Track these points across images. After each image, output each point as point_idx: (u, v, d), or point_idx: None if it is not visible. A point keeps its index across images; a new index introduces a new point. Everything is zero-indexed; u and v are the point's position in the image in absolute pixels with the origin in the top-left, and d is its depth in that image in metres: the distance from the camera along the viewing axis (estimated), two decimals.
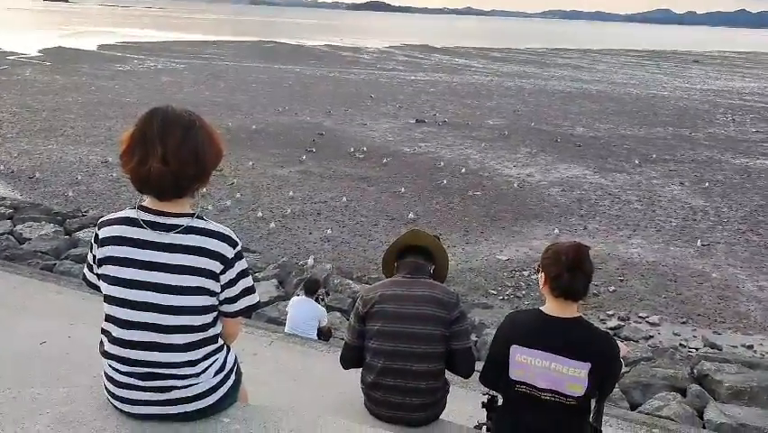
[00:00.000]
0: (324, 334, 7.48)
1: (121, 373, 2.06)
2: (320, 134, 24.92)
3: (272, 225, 14.62)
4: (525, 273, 12.46)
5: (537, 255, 13.51)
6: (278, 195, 17.18)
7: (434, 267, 3.16)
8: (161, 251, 1.97)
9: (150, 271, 1.97)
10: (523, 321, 2.70)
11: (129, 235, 1.98)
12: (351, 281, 10.98)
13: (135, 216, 1.99)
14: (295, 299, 7.67)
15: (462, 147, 24.33)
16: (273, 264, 11.55)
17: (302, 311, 7.15)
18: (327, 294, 8.59)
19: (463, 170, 20.26)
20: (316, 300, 7.54)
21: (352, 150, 22.31)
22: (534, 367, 2.58)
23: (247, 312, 2.23)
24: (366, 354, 3.09)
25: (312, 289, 7.47)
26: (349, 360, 3.20)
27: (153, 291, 1.97)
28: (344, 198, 16.68)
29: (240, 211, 15.58)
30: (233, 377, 2.24)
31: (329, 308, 9.21)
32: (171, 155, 1.90)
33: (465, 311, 3.10)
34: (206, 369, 2.12)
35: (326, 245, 13.68)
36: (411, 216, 15.43)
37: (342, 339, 8.38)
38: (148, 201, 2.04)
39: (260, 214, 15.42)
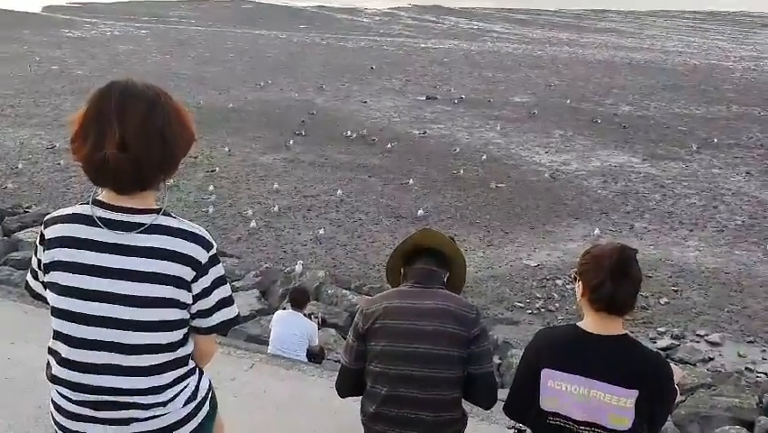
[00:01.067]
0: (316, 355, 7.48)
1: (72, 401, 2.05)
2: (310, 114, 24.95)
3: (253, 223, 14.67)
4: (559, 282, 12.46)
5: (574, 260, 13.62)
6: (260, 187, 17.23)
7: (448, 274, 3.16)
8: (120, 254, 1.97)
9: (107, 278, 1.96)
10: (556, 340, 2.70)
11: (81, 236, 1.98)
12: (348, 292, 11.00)
13: (89, 213, 1.99)
14: (280, 313, 7.67)
15: (483, 129, 24.33)
16: (254, 271, 11.58)
17: (289, 328, 7.16)
18: (322, 320, 8.60)
19: (484, 158, 20.28)
20: (308, 317, 7.56)
21: (350, 133, 22.35)
22: (570, 395, 2.57)
23: (224, 328, 2.21)
24: (367, 379, 3.06)
25: (301, 301, 7.48)
26: (346, 386, 3.19)
27: (111, 303, 1.97)
28: (340, 192, 16.73)
29: (214, 207, 15.63)
30: (206, 406, 2.23)
31: (322, 324, 9.23)
32: (132, 139, 1.90)
33: (486, 328, 3.09)
34: (175, 397, 2.11)
35: (318, 248, 13.71)
36: (420, 213, 15.47)
37: (338, 361, 8.42)
38: (104, 195, 2.03)
39: (238, 210, 15.47)
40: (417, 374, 2.92)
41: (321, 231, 14.33)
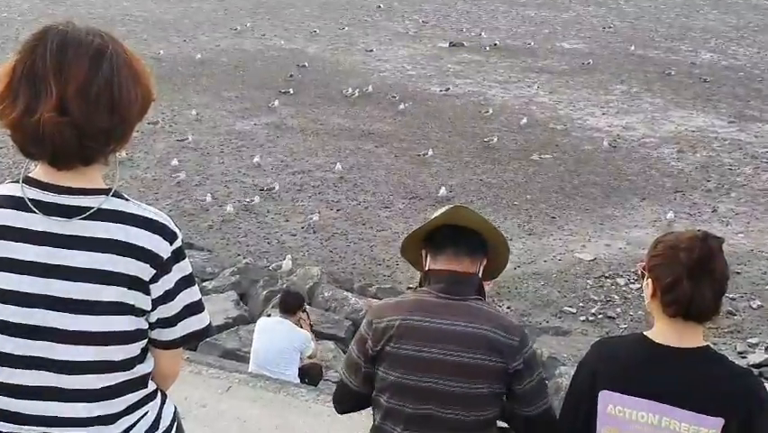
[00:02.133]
0: (311, 374, 7.51)
1: None
2: (300, 67, 24.87)
3: (229, 207, 14.69)
4: (621, 281, 12.44)
5: (640, 253, 13.53)
6: (237, 161, 17.24)
7: (484, 262, 3.14)
8: (59, 246, 1.97)
9: (42, 277, 1.96)
10: (619, 354, 2.70)
11: (9, 223, 1.98)
12: (349, 294, 11.02)
13: (19, 195, 1.97)
14: (264, 321, 7.69)
15: (522, 85, 24.20)
16: (231, 269, 11.61)
17: (276, 340, 7.18)
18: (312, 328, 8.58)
19: (524, 122, 20.20)
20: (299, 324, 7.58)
21: (351, 90, 22.29)
22: (636, 424, 2.57)
23: (192, 341, 2.22)
24: (375, 411, 3.08)
25: (292, 306, 7.50)
26: (348, 405, 3.25)
27: (46, 309, 1.96)
28: (339, 166, 16.73)
29: (179, 186, 15.67)
30: None
31: (318, 335, 9.25)
32: (73, 99, 1.90)
33: (535, 355, 3.07)
34: (131, 428, 2.11)
35: (312, 239, 13.74)
36: (443, 192, 15.44)
37: (336, 382, 8.43)
38: (38, 171, 2.03)
39: (209, 191, 15.51)
40: (440, 416, 2.92)
41: (315, 217, 14.34)
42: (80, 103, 1.91)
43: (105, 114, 1.95)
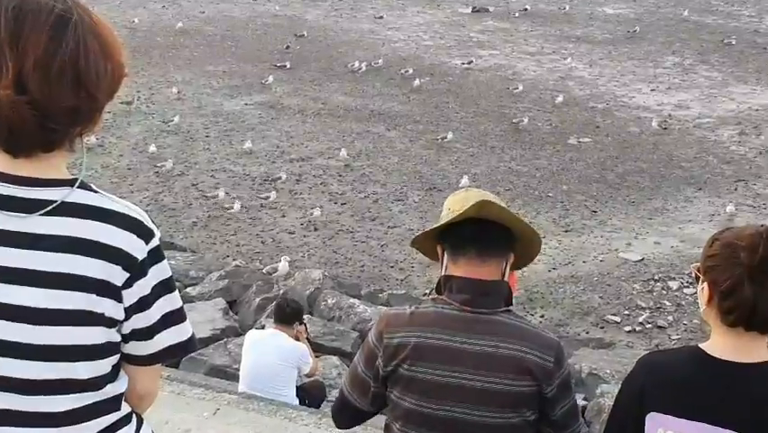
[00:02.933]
0: (311, 394, 7.52)
1: None
2: (299, 37, 24.89)
3: (216, 200, 14.72)
4: (673, 285, 12.42)
5: (695, 252, 13.54)
6: (225, 147, 17.26)
7: (512, 259, 3.12)
8: (16, 246, 1.96)
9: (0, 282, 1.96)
10: (670, 370, 2.69)
11: None
12: (356, 301, 11.01)
13: None
14: (256, 333, 7.71)
15: (557, 57, 24.15)
16: (218, 272, 11.62)
17: (270, 355, 7.18)
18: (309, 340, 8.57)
19: (559, 100, 20.19)
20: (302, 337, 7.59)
21: (357, 64, 22.29)
22: None
23: (172, 356, 2.23)
24: None
25: (287, 315, 7.51)
26: (348, 420, 3.29)
27: (3, 318, 1.95)
28: (344, 152, 16.74)
29: (157, 177, 15.70)
30: None
31: (320, 349, 9.25)
32: (32, 74, 1.89)
33: (569, 376, 3.07)
34: None
35: (312, 237, 13.75)
36: (465, 182, 15.40)
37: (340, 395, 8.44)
38: None
39: (193, 181, 15.54)
40: None
41: (316, 211, 14.36)
42: (40, 79, 1.91)
43: (69, 90, 1.94)
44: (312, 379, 7.66)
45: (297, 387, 7.35)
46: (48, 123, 1.94)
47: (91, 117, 2.04)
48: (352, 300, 11.00)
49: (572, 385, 3.09)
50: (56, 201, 2.00)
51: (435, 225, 3.13)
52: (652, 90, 21.38)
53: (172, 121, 18.16)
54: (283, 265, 12.00)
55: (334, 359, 9.39)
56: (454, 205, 3.05)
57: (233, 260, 12.53)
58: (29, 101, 1.90)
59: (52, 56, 1.93)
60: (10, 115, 1.90)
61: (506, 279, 3.10)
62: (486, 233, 3.00)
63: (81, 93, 1.98)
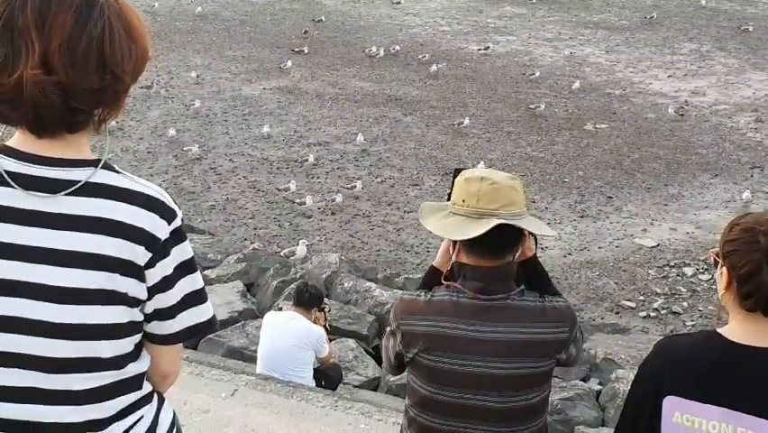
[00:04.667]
0: (328, 376, 7.53)
1: None
2: (317, 23, 24.85)
3: (233, 184, 14.73)
4: (689, 271, 12.38)
5: (712, 238, 13.31)
6: (243, 131, 17.28)
7: (525, 241, 3.14)
8: (41, 226, 1.97)
9: (21, 261, 1.96)
10: (687, 354, 2.68)
11: None
12: (373, 285, 11.00)
13: None
14: (274, 315, 7.72)
15: (575, 42, 24.02)
16: (236, 255, 11.64)
17: (287, 337, 7.18)
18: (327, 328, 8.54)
19: (576, 86, 20.11)
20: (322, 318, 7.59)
21: (375, 49, 22.24)
22: None
23: (193, 336, 2.23)
24: (405, 424, 3.15)
25: (309, 299, 7.51)
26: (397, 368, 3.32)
27: (26, 298, 1.97)
28: (361, 137, 16.73)
29: (176, 160, 15.74)
30: None
31: (337, 332, 9.27)
32: (57, 55, 1.90)
33: (579, 329, 3.13)
34: None
35: (329, 221, 13.76)
36: (482, 167, 15.36)
37: (359, 386, 8.45)
38: (17, 139, 2.01)
39: (212, 165, 15.57)
40: (480, 431, 3.00)
41: (334, 196, 14.35)
42: (66, 60, 1.91)
43: (93, 72, 1.94)
44: (328, 361, 7.65)
45: (314, 369, 7.36)
46: (73, 103, 1.95)
47: (116, 99, 2.04)
48: (368, 284, 11.00)
49: (581, 328, 3.19)
50: (80, 181, 2.01)
51: (445, 231, 3.12)
52: (668, 77, 21.25)
53: (192, 105, 18.17)
54: (300, 249, 12.01)
55: (351, 342, 9.39)
56: (469, 198, 3.04)
57: (251, 243, 12.56)
58: (56, 82, 1.91)
59: (78, 38, 1.93)
60: (36, 94, 1.90)
61: (518, 256, 3.14)
62: (498, 238, 3.00)
63: (106, 75, 1.98)
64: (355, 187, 14.48)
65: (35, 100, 1.91)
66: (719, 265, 2.67)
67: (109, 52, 1.97)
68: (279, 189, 14.43)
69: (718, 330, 2.67)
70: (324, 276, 10.99)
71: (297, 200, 13.99)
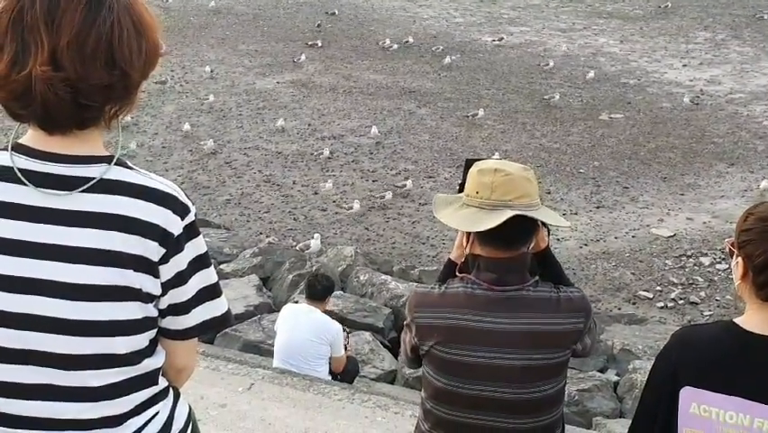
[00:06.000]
0: (345, 370, 7.53)
1: None
2: (330, 15, 24.84)
3: (247, 178, 14.75)
4: (705, 261, 12.34)
5: (728, 228, 13.32)
6: (257, 125, 17.30)
7: (539, 232, 3.13)
8: (54, 223, 1.97)
9: (36, 259, 1.95)
10: (704, 344, 2.68)
11: None
12: (388, 278, 11.01)
13: (8, 164, 1.98)
14: (290, 309, 7.73)
15: (589, 32, 23.94)
16: (252, 249, 11.66)
17: (303, 330, 7.20)
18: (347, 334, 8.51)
19: (590, 76, 20.05)
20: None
21: (389, 42, 22.23)
22: (723, 425, 2.56)
23: (208, 330, 2.23)
24: (422, 418, 3.16)
25: (322, 292, 7.52)
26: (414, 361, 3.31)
27: (41, 295, 1.97)
28: (375, 130, 16.73)
29: (190, 155, 15.77)
30: None
31: (353, 325, 9.27)
32: (66, 52, 1.89)
33: (593, 318, 3.13)
34: (139, 431, 2.11)
35: (343, 214, 13.77)
36: (496, 158, 15.32)
37: (376, 379, 8.46)
38: (29, 136, 2.01)
39: (226, 159, 15.60)
40: (502, 426, 3.01)
41: (347, 189, 14.36)
42: (74, 56, 1.90)
43: (102, 68, 1.94)
44: (343, 355, 7.63)
45: (329, 363, 7.37)
46: (81, 100, 1.95)
47: (126, 95, 2.04)
48: (384, 277, 11.01)
49: (594, 317, 3.18)
50: (94, 178, 2.00)
51: (459, 223, 3.10)
52: (684, 66, 21.16)
53: (207, 99, 18.21)
54: (315, 242, 12.02)
55: (367, 335, 9.40)
56: (483, 190, 3.02)
57: (267, 237, 12.58)
58: (65, 79, 1.91)
59: (87, 34, 1.93)
60: (45, 91, 1.90)
61: (531, 246, 3.15)
62: (512, 229, 2.98)
63: (115, 71, 1.98)
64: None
65: (44, 97, 1.90)
66: (735, 255, 2.66)
67: (118, 48, 1.96)
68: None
69: (735, 320, 2.66)
70: (339, 269, 11.02)
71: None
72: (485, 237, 3.00)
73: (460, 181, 3.32)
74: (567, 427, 3.21)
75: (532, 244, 3.12)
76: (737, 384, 2.56)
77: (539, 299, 2.99)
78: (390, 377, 8.72)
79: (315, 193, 14.38)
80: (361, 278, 10.95)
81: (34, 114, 1.96)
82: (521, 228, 3.01)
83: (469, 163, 3.27)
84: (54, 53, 1.89)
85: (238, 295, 10.04)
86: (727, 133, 17.05)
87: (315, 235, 12.27)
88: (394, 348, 9.28)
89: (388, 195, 14.02)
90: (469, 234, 3.10)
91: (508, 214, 2.89)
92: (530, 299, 2.98)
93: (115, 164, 2.04)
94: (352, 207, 13.61)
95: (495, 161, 3.25)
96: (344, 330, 7.81)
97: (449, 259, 3.32)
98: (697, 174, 15.25)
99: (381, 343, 9.39)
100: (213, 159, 15.65)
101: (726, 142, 16.58)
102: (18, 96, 1.93)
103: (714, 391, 2.58)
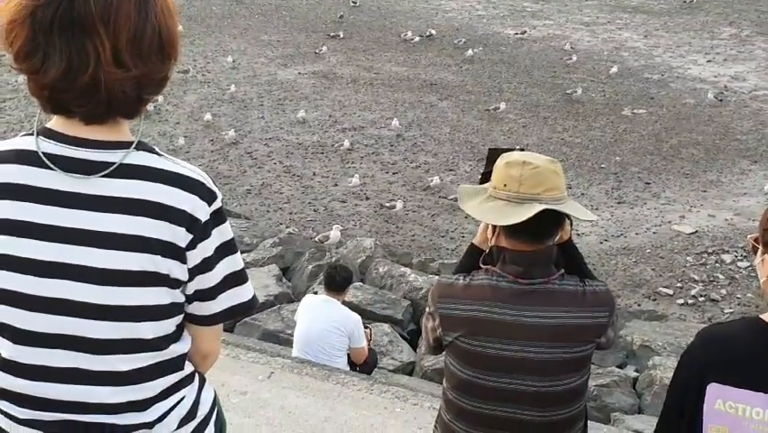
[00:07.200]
0: (364, 360, 7.54)
1: (16, 421, 2.06)
2: (352, 6, 24.86)
3: (268, 168, 14.78)
4: (727, 258, 12.28)
5: (751, 225, 13.32)
6: (279, 115, 17.34)
7: (564, 225, 3.13)
8: (82, 208, 1.98)
9: (63, 243, 1.96)
10: (729, 341, 2.66)
11: (25, 182, 1.97)
12: (408, 270, 11.01)
13: (33, 148, 1.98)
14: (310, 300, 7.74)
15: (612, 27, 23.85)
16: (272, 239, 11.70)
17: (322, 321, 7.21)
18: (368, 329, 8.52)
19: (613, 70, 20.00)
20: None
21: (410, 34, 22.23)
22: (750, 421, 2.54)
23: (234, 316, 2.24)
24: (443, 408, 3.16)
25: (340, 283, 7.53)
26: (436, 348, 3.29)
27: (69, 279, 1.98)
28: (396, 122, 16.74)
29: (211, 145, 15.81)
30: (210, 428, 2.26)
31: (371, 317, 9.29)
32: (127, 50, 1.91)
33: (616, 313, 3.13)
34: (166, 415, 2.12)
35: (363, 206, 13.78)
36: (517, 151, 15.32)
37: (394, 371, 8.47)
38: (56, 122, 2.01)
39: (247, 149, 15.64)
40: (526, 419, 3.00)
41: (368, 180, 14.37)
42: (135, 53, 1.93)
43: (158, 60, 1.98)
44: (362, 347, 7.64)
45: (348, 354, 7.39)
46: (144, 95, 2.00)
47: (161, 82, 2.07)
48: (403, 269, 11.01)
49: (617, 310, 3.19)
50: (114, 163, 2.00)
51: (487, 216, 3.08)
52: (708, 62, 21.08)
53: (228, 90, 18.25)
54: (335, 234, 12.03)
55: (386, 327, 9.43)
56: (511, 183, 3.00)
57: (286, 227, 12.62)
58: (132, 77, 1.93)
59: (143, 29, 1.95)
60: (114, 91, 1.92)
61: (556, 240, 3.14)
62: (540, 223, 2.96)
63: (167, 62, 2.02)
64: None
65: (112, 96, 1.93)
66: (759, 252, 2.64)
67: (167, 38, 2.00)
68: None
69: (761, 316, 2.65)
70: (358, 261, 11.04)
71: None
72: (512, 230, 2.99)
73: (482, 171, 3.29)
74: None
75: (557, 237, 3.12)
76: (763, 380, 2.55)
77: (565, 292, 2.98)
78: (409, 369, 8.73)
79: (336, 185, 14.40)
80: (381, 270, 10.96)
81: (91, 110, 1.97)
82: (549, 222, 2.99)
83: (492, 153, 3.26)
84: (116, 52, 1.90)
85: (258, 285, 10.06)
86: (751, 130, 16.97)
87: (335, 227, 12.30)
88: (413, 340, 9.29)
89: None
90: (494, 225, 3.09)
91: (537, 208, 2.88)
92: (556, 293, 2.97)
93: (141, 149, 2.05)
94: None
95: (522, 152, 3.21)
96: (364, 324, 7.82)
97: (472, 244, 3.31)
98: (719, 171, 15.19)
99: (400, 334, 9.40)
100: (234, 149, 15.70)
101: (749, 140, 16.51)
102: (79, 97, 1.93)
103: (740, 387, 2.57)
